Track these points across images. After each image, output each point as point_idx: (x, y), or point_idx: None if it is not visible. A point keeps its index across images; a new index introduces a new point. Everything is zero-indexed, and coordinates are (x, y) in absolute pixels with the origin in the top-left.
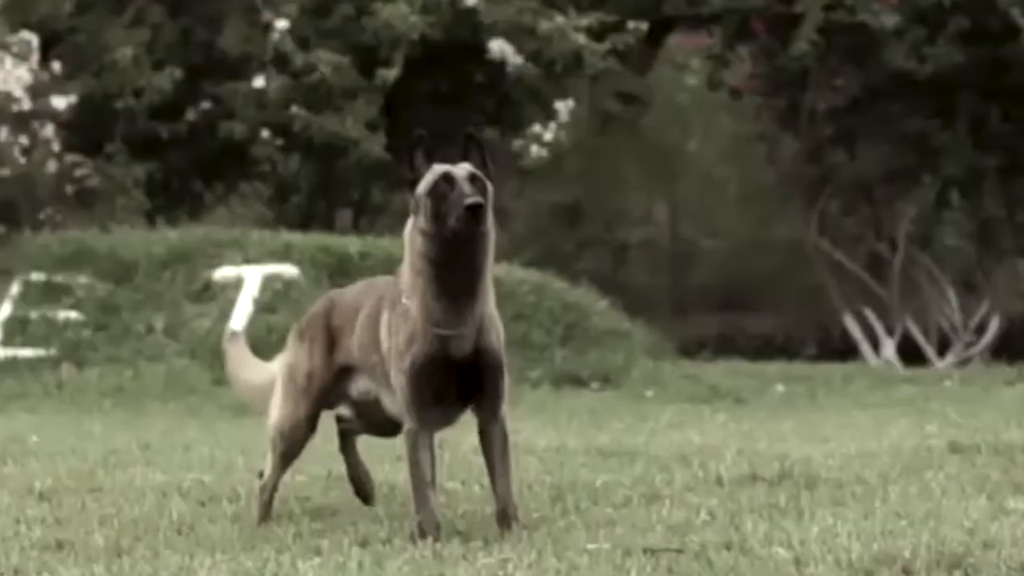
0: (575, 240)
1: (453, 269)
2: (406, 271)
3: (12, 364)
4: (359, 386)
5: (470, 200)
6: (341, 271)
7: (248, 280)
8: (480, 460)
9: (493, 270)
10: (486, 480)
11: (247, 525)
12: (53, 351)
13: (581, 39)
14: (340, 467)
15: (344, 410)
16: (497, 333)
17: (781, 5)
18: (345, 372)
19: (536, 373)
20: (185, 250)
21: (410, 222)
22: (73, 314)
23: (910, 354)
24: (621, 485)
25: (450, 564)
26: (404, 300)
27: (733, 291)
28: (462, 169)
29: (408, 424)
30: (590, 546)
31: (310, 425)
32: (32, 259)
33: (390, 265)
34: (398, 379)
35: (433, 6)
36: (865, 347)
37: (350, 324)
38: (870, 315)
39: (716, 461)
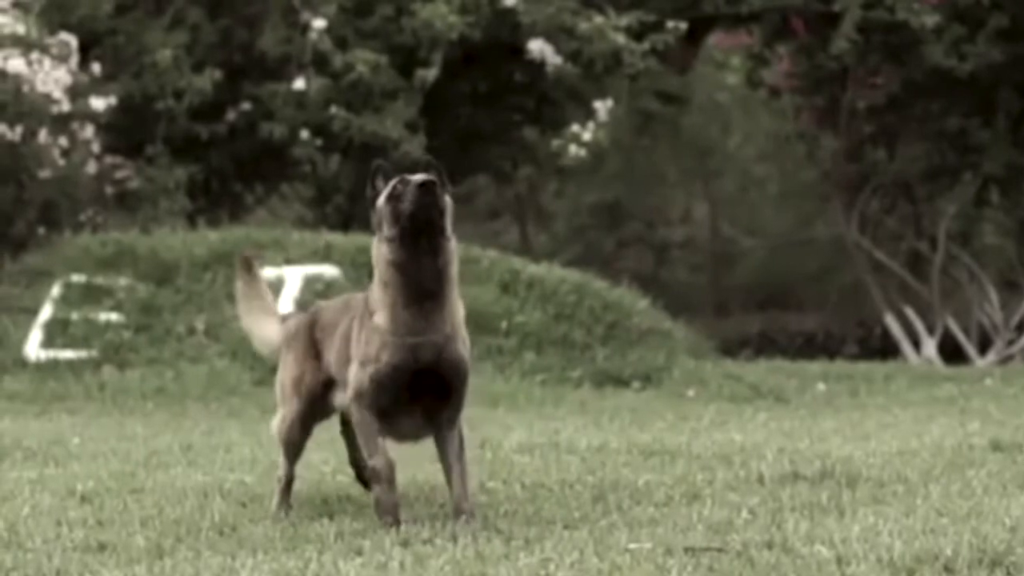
0: (615, 239)
1: (418, 272)
2: (375, 287)
3: (53, 366)
4: (339, 399)
5: (420, 177)
6: None
7: (289, 281)
8: (522, 459)
9: (458, 283)
10: (528, 480)
11: (289, 525)
12: (94, 353)
13: (620, 39)
14: None
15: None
16: (464, 343)
17: (820, 4)
18: (330, 383)
19: (577, 373)
20: (226, 251)
21: (375, 241)
22: (114, 316)
23: (951, 352)
24: (663, 484)
25: (492, 563)
26: (372, 316)
27: (774, 290)
28: (417, 176)
29: (356, 403)
30: (632, 545)
31: (303, 427)
32: (73, 261)
33: None
34: (359, 375)
35: (472, 6)
36: (906, 345)
37: (329, 339)
38: (911, 313)
39: (758, 460)
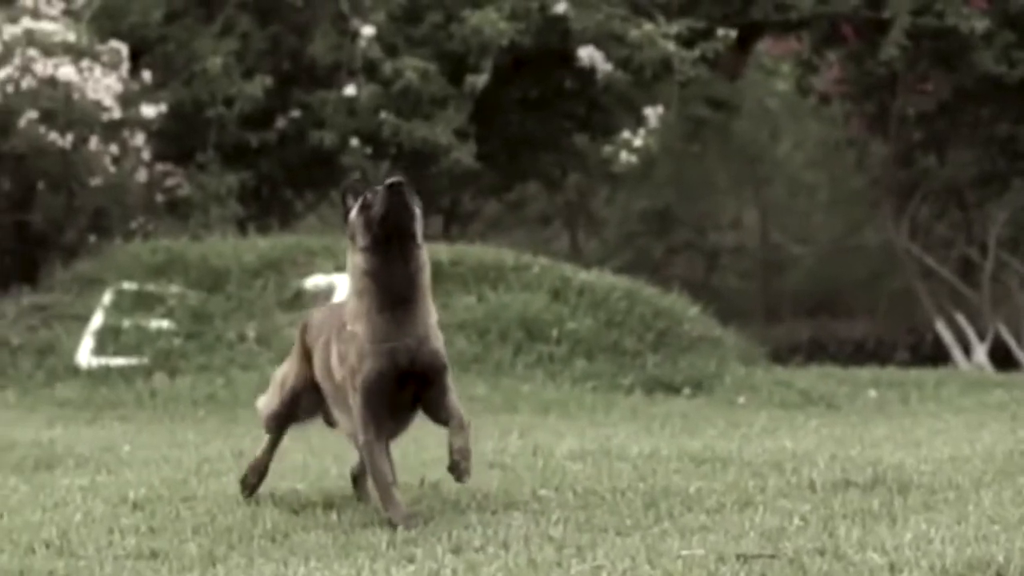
0: (665, 246)
1: (391, 279)
2: (350, 300)
3: (104, 373)
4: (342, 424)
5: (390, 179)
6: (432, 278)
7: (339, 288)
8: (574, 466)
9: (431, 291)
10: (580, 486)
11: (341, 533)
12: (145, 360)
13: (670, 46)
14: (433, 474)
15: None
16: (436, 343)
17: (870, 10)
18: (316, 388)
19: (628, 380)
20: (276, 258)
21: (348, 254)
22: (165, 323)
23: (1002, 358)
24: (714, 491)
25: (544, 570)
26: (348, 327)
27: (824, 296)
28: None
29: (363, 436)
30: (684, 552)
31: (277, 423)
32: (124, 268)
33: (480, 273)
34: (354, 397)
35: (522, 13)
36: (956, 352)
37: (315, 346)
38: (961, 320)
39: (809, 467)
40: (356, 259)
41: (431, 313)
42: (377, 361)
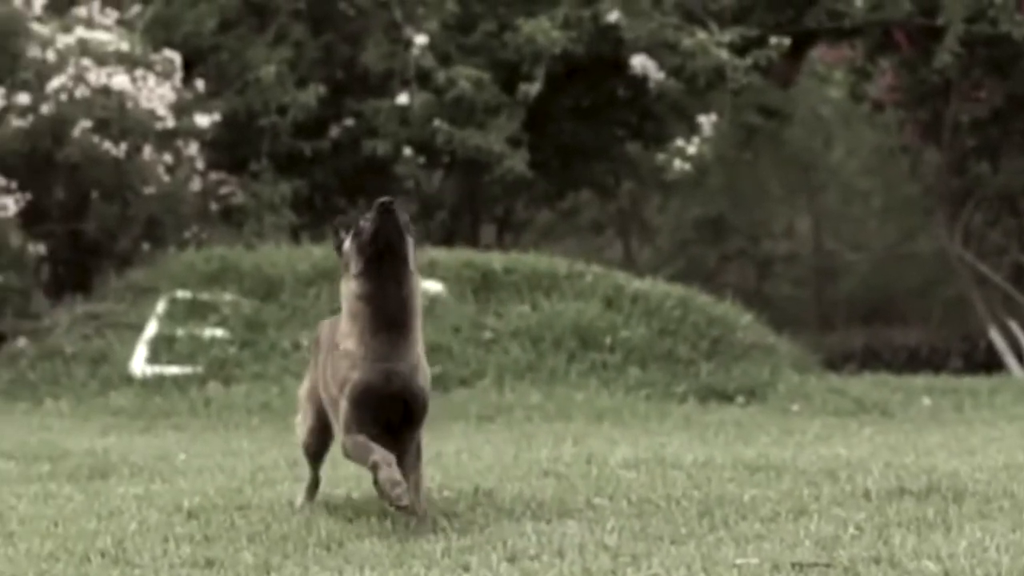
0: (718, 254)
1: (384, 302)
2: (343, 322)
3: (159, 382)
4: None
5: (380, 200)
6: (486, 286)
7: None
8: (628, 475)
9: (423, 321)
10: (634, 495)
11: (396, 541)
12: (199, 369)
13: (723, 54)
14: (487, 482)
15: None
16: (425, 376)
17: (923, 17)
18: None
19: (682, 388)
20: (330, 267)
21: (343, 283)
22: (219, 331)
23: None
24: (769, 499)
25: None
26: (340, 346)
27: (877, 304)
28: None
29: (345, 435)
30: (739, 561)
31: (315, 436)
32: (178, 277)
33: (534, 281)
34: (341, 403)
35: (575, 21)
36: (1010, 359)
37: (319, 359)
38: (1015, 327)
39: (863, 475)
40: (350, 285)
41: (420, 342)
42: (369, 375)
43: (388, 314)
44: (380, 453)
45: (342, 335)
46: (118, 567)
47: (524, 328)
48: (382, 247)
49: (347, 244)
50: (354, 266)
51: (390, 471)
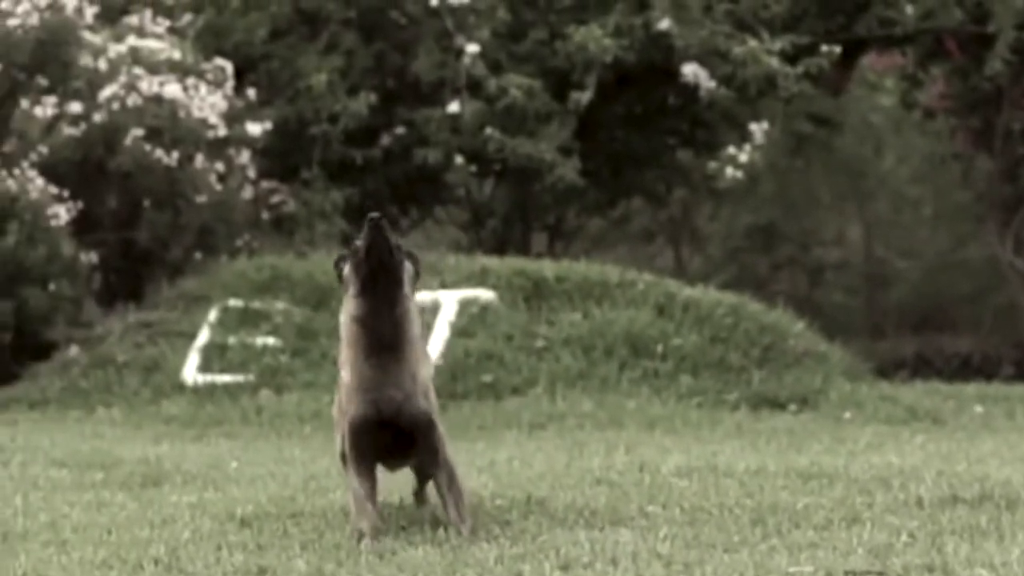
0: (770, 261)
1: (377, 324)
2: (342, 349)
3: (211, 390)
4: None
5: (370, 215)
6: (537, 295)
7: (445, 305)
8: (680, 483)
9: (423, 342)
10: (687, 503)
11: (449, 549)
12: (251, 377)
13: (774, 63)
14: (540, 491)
15: None
16: (426, 395)
17: (974, 25)
18: None
19: (733, 395)
20: None
21: (342, 313)
22: (271, 340)
23: None
24: (821, 507)
25: None
26: (341, 373)
27: (929, 311)
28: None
29: (350, 473)
30: (792, 569)
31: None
32: (229, 285)
33: (585, 289)
34: (344, 432)
35: (626, 29)
36: None
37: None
38: None
39: (916, 483)
40: (348, 307)
41: (423, 364)
42: (361, 408)
43: (380, 336)
44: (369, 524)
45: (341, 363)
46: (171, 575)
47: (576, 336)
48: (375, 264)
49: (346, 270)
50: (352, 287)
51: (371, 544)
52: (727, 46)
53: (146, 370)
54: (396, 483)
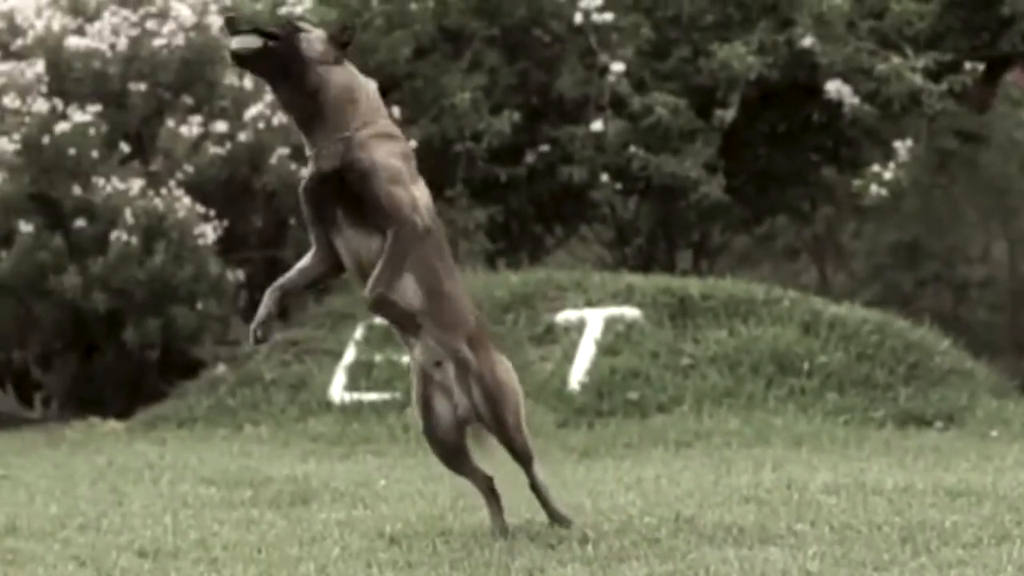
0: (914, 278)
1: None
2: None
3: (357, 408)
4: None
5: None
6: (683, 312)
7: (590, 323)
8: (828, 500)
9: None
10: (836, 521)
11: (599, 567)
12: (397, 395)
13: (918, 80)
14: (688, 509)
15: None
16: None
17: None
18: None
19: (880, 413)
20: (527, 293)
21: None
22: None
23: None
24: (970, 525)
25: None
26: None
27: None
28: None
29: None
30: None
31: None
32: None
33: (731, 306)
34: None
35: (770, 47)
36: None
37: None
38: None
39: None
40: None
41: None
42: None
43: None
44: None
45: None
46: None
47: (722, 354)
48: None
49: None
50: None
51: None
52: (871, 63)
53: (293, 388)
54: (536, 507)
